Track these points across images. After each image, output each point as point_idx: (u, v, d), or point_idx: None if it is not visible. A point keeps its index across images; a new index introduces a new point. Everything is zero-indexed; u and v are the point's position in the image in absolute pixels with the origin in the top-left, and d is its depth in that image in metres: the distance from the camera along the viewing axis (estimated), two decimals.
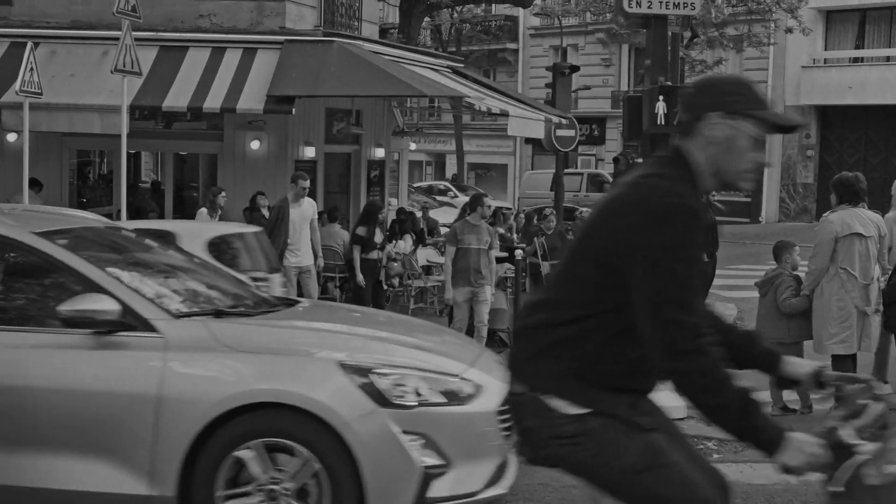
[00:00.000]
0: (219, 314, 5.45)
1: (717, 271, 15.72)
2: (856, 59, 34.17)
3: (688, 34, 24.40)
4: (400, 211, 17.14)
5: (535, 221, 16.91)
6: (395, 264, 14.79)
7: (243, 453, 4.86)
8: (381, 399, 4.89)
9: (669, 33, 10.02)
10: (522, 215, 20.45)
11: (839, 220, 8.24)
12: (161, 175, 19.19)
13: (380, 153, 17.83)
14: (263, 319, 5.66)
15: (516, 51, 42.48)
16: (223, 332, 5.14)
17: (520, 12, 39.75)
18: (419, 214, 18.90)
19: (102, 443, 4.92)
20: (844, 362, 8.51)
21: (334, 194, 16.99)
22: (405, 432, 4.88)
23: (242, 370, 4.96)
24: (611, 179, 30.37)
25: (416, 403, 4.95)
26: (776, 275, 8.91)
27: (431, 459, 4.92)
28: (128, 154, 12.60)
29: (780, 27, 28.84)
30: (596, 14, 34.45)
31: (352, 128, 16.81)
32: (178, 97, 13.64)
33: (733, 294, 16.60)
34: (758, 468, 6.95)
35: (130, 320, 4.99)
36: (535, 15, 38.37)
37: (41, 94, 12.07)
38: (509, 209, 23.53)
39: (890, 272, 8.64)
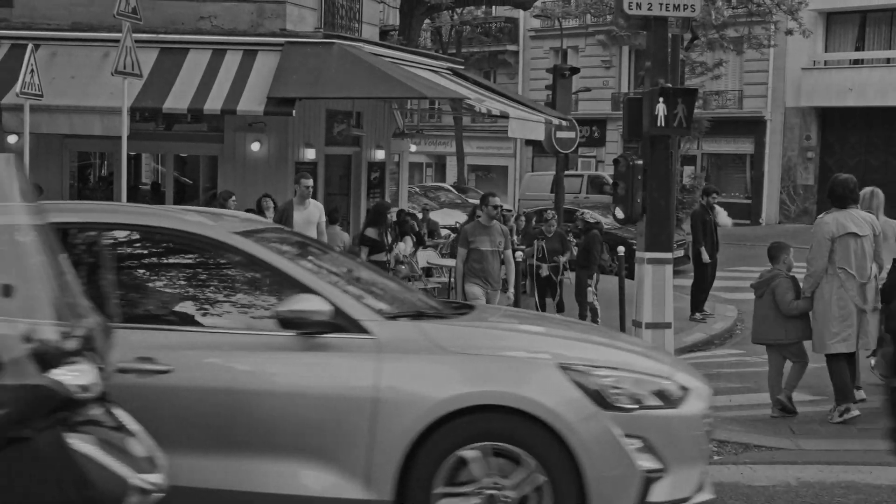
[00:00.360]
0: (418, 316, 5.34)
1: (718, 273, 15.77)
2: (856, 61, 34.19)
3: (688, 36, 24.39)
4: (400, 212, 17.14)
5: (535, 224, 16.91)
6: (403, 267, 14.73)
7: (468, 453, 4.75)
8: (601, 401, 4.80)
9: (669, 35, 10.02)
10: (522, 217, 20.46)
11: (834, 221, 8.36)
12: (160, 176, 19.20)
13: (380, 155, 17.83)
14: (467, 321, 5.56)
15: (516, 53, 42.49)
16: (436, 334, 5.03)
17: (520, 14, 39.77)
18: (420, 216, 18.91)
19: (317, 446, 4.82)
20: (844, 361, 8.56)
21: (335, 196, 17.00)
22: (626, 435, 4.79)
23: (461, 372, 4.85)
24: (611, 181, 30.35)
25: (636, 406, 4.86)
26: (773, 276, 8.94)
27: (650, 463, 4.83)
28: (128, 156, 12.61)
29: (781, 29, 28.83)
30: (596, 16, 34.50)
31: (352, 129, 16.81)
32: (178, 99, 13.65)
33: (733, 295, 16.61)
34: (758, 469, 6.95)
35: (341, 321, 4.88)
36: (536, 17, 38.39)
37: (42, 95, 12.09)
38: (509, 211, 23.52)
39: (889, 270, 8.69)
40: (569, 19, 37.95)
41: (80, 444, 3.37)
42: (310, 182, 12.13)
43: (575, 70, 21.99)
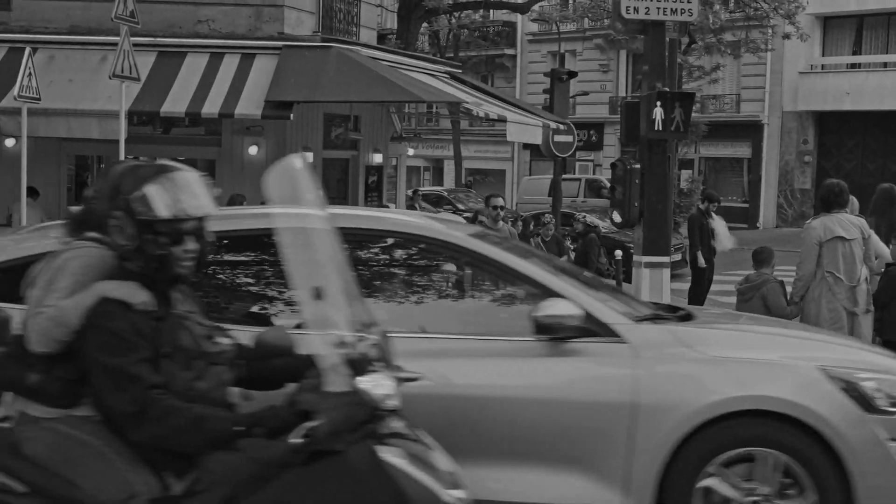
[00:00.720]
0: (657, 318, 5.17)
1: (715, 276, 15.77)
2: (853, 65, 34.22)
3: (685, 40, 24.41)
4: None
5: (533, 227, 16.93)
6: None
7: (708, 482, 4.63)
8: (866, 405, 4.70)
9: (667, 39, 10.04)
10: (520, 221, 20.48)
11: (821, 226, 8.43)
12: None
13: (378, 159, 17.84)
14: (708, 324, 5.44)
15: (514, 56, 42.50)
16: (686, 337, 4.91)
17: (518, 18, 39.79)
18: None
19: (572, 453, 4.67)
20: None
21: (332, 200, 16.98)
22: (891, 439, 4.70)
23: (721, 376, 4.71)
24: (608, 185, 30.36)
25: None
26: (763, 281, 8.97)
27: None
28: (126, 159, 12.60)
29: (778, 33, 28.85)
30: (594, 20, 34.47)
31: (350, 133, 16.82)
32: (176, 102, 13.65)
33: (731, 299, 16.59)
34: None
35: (591, 326, 4.73)
36: (533, 21, 38.39)
37: (39, 99, 12.08)
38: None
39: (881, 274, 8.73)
40: (566, 23, 37.94)
41: (391, 457, 3.19)
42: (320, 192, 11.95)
43: (573, 74, 22.02)
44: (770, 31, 29.22)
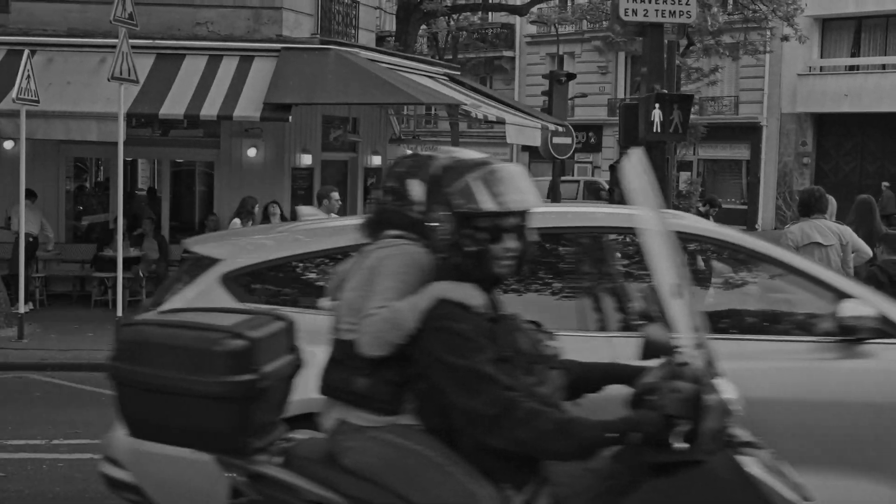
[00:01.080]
0: None
1: None
2: (852, 67, 34.25)
3: (684, 42, 24.43)
4: None
5: None
6: None
7: None
8: None
9: (666, 41, 10.06)
10: None
11: (799, 231, 8.51)
12: (158, 182, 19.19)
13: (376, 161, 17.84)
14: None
15: (513, 58, 42.51)
16: None
17: (516, 20, 39.80)
18: None
19: (871, 459, 4.54)
20: None
21: None
22: None
23: None
24: (607, 187, 30.40)
25: None
26: None
27: None
28: (124, 161, 12.60)
29: (777, 35, 28.88)
30: (592, 22, 34.48)
31: (348, 135, 16.81)
32: (174, 105, 13.64)
33: None
34: None
35: (885, 327, 4.60)
36: (532, 23, 38.39)
37: (38, 101, 12.09)
38: None
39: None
40: (565, 25, 37.96)
41: (754, 467, 2.98)
42: (337, 195, 11.72)
43: (571, 76, 22.05)
44: (768, 33, 29.25)
